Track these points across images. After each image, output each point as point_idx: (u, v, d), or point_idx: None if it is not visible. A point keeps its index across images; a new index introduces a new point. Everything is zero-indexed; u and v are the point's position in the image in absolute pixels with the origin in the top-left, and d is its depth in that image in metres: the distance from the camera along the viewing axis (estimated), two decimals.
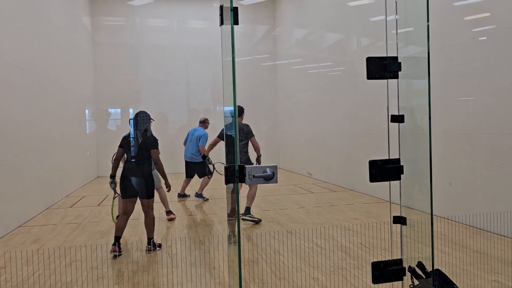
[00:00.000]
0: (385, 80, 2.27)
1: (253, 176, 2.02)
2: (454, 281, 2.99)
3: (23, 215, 6.83)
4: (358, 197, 8.48)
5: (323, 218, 6.68)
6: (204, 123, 8.99)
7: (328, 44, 11.21)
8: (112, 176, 5.17)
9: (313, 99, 12.05)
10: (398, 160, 2.20)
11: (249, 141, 6.65)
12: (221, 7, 1.98)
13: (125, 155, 5.13)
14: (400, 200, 2.33)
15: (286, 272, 4.16)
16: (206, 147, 7.82)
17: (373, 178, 2.16)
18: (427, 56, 2.21)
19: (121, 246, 4.88)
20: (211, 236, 5.75)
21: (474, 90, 5.75)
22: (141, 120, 5.22)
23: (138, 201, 5.08)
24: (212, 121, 15.21)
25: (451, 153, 6.12)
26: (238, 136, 2.07)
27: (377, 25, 8.24)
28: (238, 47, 2.01)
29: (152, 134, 5.31)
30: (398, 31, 2.29)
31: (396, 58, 2.20)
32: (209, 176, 8.36)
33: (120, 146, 5.14)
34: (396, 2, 2.29)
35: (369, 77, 2.18)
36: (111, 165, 5.22)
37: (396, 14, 2.30)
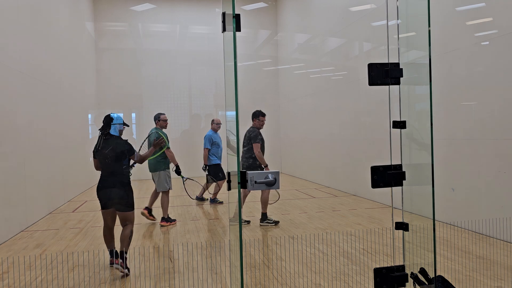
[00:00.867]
0: (387, 86, 2.27)
1: (255, 182, 2.03)
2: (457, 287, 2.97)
3: (26, 220, 6.84)
4: (360, 202, 8.46)
5: (325, 223, 6.66)
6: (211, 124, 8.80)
7: (330, 49, 11.23)
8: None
9: (315, 104, 12.06)
10: (400, 166, 2.20)
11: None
12: (223, 14, 1.99)
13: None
14: (402, 206, 2.33)
15: (288, 278, 4.15)
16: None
17: (375, 184, 2.16)
18: (428, 61, 2.21)
19: (118, 257, 4.32)
20: (213, 241, 5.74)
21: (476, 96, 5.74)
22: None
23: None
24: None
25: (453, 159, 6.10)
26: (240, 141, 2.07)
27: (378, 30, 8.25)
28: (240, 52, 2.02)
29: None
30: (400, 36, 2.30)
31: (397, 64, 2.21)
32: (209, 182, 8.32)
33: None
34: (397, 7, 2.29)
35: (371, 83, 2.18)
36: None
37: (398, 19, 2.30)
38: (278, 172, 2.09)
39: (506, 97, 5.18)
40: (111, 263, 4.48)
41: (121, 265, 4.24)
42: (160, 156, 6.66)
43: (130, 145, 4.63)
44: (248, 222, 6.81)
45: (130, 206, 4.55)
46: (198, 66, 14.32)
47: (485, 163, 5.57)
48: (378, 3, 8.29)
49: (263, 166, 6.50)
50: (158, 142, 5.14)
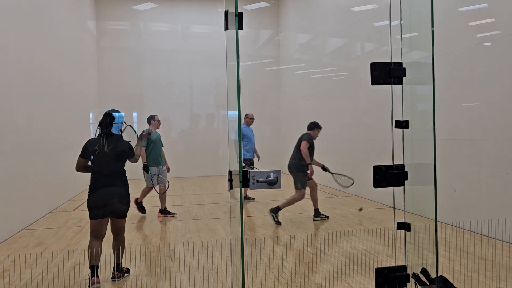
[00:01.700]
0: (389, 86, 2.26)
1: (257, 181, 2.02)
2: None
3: (27, 218, 6.84)
4: (361, 202, 8.44)
5: (326, 223, 6.65)
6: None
7: (331, 49, 11.22)
8: None
9: (317, 104, 12.04)
10: (402, 166, 2.20)
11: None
12: (226, 13, 1.99)
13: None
14: (404, 206, 2.32)
15: (289, 278, 4.15)
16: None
17: (377, 184, 2.16)
18: (431, 61, 2.21)
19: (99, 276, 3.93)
20: (214, 240, 5.74)
21: (478, 96, 5.73)
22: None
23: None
24: (215, 125, 15.23)
25: (455, 159, 6.09)
26: (241, 141, 2.07)
27: (381, 30, 8.24)
28: (241, 51, 2.02)
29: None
30: (403, 36, 2.29)
31: (400, 63, 2.20)
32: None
33: None
34: (400, 7, 2.29)
35: (373, 82, 2.17)
36: None
37: (401, 19, 2.30)
38: (280, 171, 2.09)
39: (507, 97, 5.16)
40: (93, 283, 3.80)
41: (117, 277, 4.07)
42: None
43: (131, 145, 4.33)
44: (327, 217, 6.95)
45: (127, 212, 4.19)
46: (199, 65, 14.32)
47: (487, 164, 5.55)
48: (380, 3, 8.28)
49: (306, 164, 6.77)
50: (144, 134, 4.88)
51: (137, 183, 7.27)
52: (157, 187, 7.08)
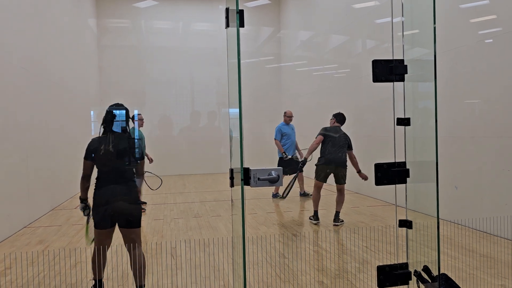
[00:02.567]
0: (391, 83, 2.25)
1: (258, 178, 2.02)
2: (461, 286, 2.96)
3: (28, 216, 6.85)
4: (363, 200, 8.44)
5: (328, 221, 6.65)
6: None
7: (333, 46, 11.19)
8: None
9: (318, 101, 12.02)
10: (404, 163, 2.19)
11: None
12: (227, 10, 1.98)
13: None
14: (406, 204, 2.32)
15: (291, 275, 4.15)
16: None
17: (379, 181, 2.15)
18: (433, 58, 2.20)
19: None
20: (215, 238, 5.74)
21: (480, 93, 5.71)
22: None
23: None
24: (216, 123, 15.22)
25: (457, 157, 6.08)
26: (243, 139, 2.06)
27: (382, 27, 8.21)
28: (242, 49, 2.01)
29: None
30: (404, 33, 2.28)
31: (402, 60, 2.19)
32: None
33: None
34: (402, 4, 2.28)
35: (375, 80, 2.16)
36: None
37: (402, 16, 2.29)
38: (281, 169, 2.08)
39: (509, 94, 5.15)
40: None
41: None
42: None
43: (137, 142, 3.95)
44: (342, 221, 6.40)
45: (137, 220, 3.62)
46: (200, 63, 14.30)
47: (489, 161, 5.54)
48: (382, 0, 8.25)
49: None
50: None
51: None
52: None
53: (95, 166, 3.67)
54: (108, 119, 3.70)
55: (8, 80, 6.26)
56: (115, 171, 3.59)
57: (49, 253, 5.01)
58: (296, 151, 8.98)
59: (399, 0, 2.28)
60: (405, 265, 2.25)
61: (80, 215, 7.38)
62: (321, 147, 6.56)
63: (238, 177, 2.03)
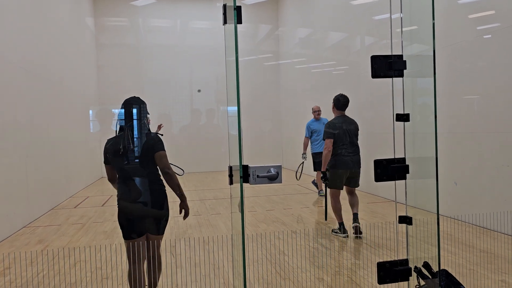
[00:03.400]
0: (390, 79, 2.25)
1: (257, 176, 2.01)
2: (461, 281, 2.96)
3: (28, 216, 6.85)
4: (363, 196, 8.44)
5: (327, 218, 6.65)
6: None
7: (331, 43, 11.17)
8: None
9: (316, 98, 12.00)
10: (403, 159, 2.19)
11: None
12: (224, 6, 1.97)
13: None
14: (406, 200, 2.31)
15: (291, 273, 4.15)
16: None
17: (379, 177, 2.15)
18: (432, 54, 2.19)
19: None
20: (215, 236, 5.74)
21: (479, 89, 5.70)
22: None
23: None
24: (215, 121, 15.20)
25: (456, 152, 6.08)
26: (241, 136, 2.05)
27: (381, 24, 8.20)
28: (241, 47, 2.00)
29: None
30: (403, 29, 2.27)
31: (401, 56, 2.18)
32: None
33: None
34: (400, 0, 2.27)
35: (374, 75, 2.16)
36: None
37: (401, 12, 2.28)
38: (280, 166, 2.07)
39: (508, 90, 5.14)
40: None
41: None
42: None
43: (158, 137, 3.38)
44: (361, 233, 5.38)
45: (161, 226, 3.24)
46: (199, 61, 14.28)
47: (488, 157, 5.54)
48: None
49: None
50: None
51: None
52: None
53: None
54: (126, 114, 3.27)
55: (7, 79, 6.24)
56: (137, 172, 3.18)
57: (49, 252, 5.01)
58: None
59: None
60: (405, 261, 2.25)
61: (79, 214, 7.39)
62: (333, 147, 5.50)
63: (237, 175, 2.02)
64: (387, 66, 2.14)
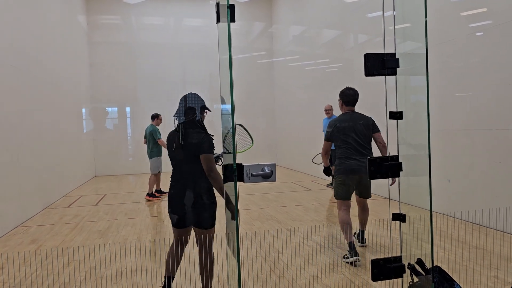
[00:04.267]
0: (383, 77, 2.25)
1: (252, 174, 2.01)
2: (454, 278, 2.99)
3: (21, 215, 6.80)
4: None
5: (322, 215, 6.67)
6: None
7: (325, 41, 11.18)
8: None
9: (310, 96, 12.03)
10: (397, 157, 2.19)
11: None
12: (218, 4, 1.96)
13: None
14: (399, 197, 2.32)
15: (286, 270, 4.16)
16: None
17: (372, 175, 2.15)
18: (425, 52, 2.20)
19: None
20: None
21: (471, 86, 5.74)
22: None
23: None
24: (209, 119, 15.14)
25: (449, 150, 6.12)
26: (236, 135, 2.05)
27: (374, 22, 8.22)
28: (234, 44, 1.99)
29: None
30: (396, 27, 2.28)
31: (394, 54, 2.19)
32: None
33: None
34: None
35: (367, 74, 2.16)
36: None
37: (394, 10, 2.28)
38: (275, 164, 2.07)
39: (500, 87, 5.18)
40: None
41: None
42: (153, 145, 8.49)
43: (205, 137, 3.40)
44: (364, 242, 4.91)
45: (204, 220, 3.38)
46: (192, 59, 14.23)
47: (480, 154, 5.58)
48: None
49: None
50: None
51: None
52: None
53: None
54: (179, 109, 3.51)
55: None
56: (184, 167, 3.27)
57: (42, 252, 4.98)
58: None
59: None
60: (399, 258, 2.26)
61: (73, 214, 7.35)
62: (335, 147, 4.77)
63: (231, 173, 2.02)
64: (380, 64, 2.15)
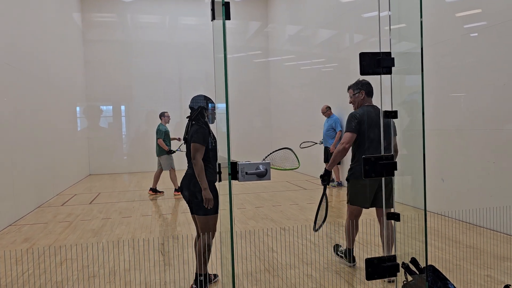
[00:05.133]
0: (378, 76, 2.25)
1: (246, 173, 2.00)
2: (447, 277, 3.00)
3: (14, 214, 6.75)
4: None
5: (314, 212, 6.67)
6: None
7: (321, 41, 11.19)
8: None
9: (306, 95, 12.04)
10: (391, 156, 2.19)
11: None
12: (213, 2, 1.95)
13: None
14: (394, 196, 2.33)
15: (280, 269, 4.15)
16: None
17: (367, 174, 2.15)
18: (420, 51, 2.20)
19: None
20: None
21: (465, 86, 5.77)
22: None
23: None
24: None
25: (443, 149, 6.14)
26: (229, 133, 2.04)
27: (369, 22, 8.23)
28: (230, 43, 1.99)
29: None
30: (391, 27, 2.28)
31: (389, 53, 2.19)
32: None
33: None
34: None
35: (363, 72, 2.16)
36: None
37: (389, 10, 2.28)
38: (269, 163, 2.07)
39: (495, 87, 5.20)
40: None
41: None
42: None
43: (199, 130, 3.78)
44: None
45: (198, 207, 3.66)
46: (188, 57, 14.19)
47: (475, 154, 5.61)
48: None
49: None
50: None
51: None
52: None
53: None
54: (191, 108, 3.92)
55: None
56: (189, 160, 3.77)
57: (35, 251, 4.94)
58: (324, 140, 9.67)
59: None
60: (393, 258, 2.26)
61: (67, 212, 7.31)
62: (353, 147, 4.05)
63: (225, 172, 2.01)
64: (376, 63, 2.14)
